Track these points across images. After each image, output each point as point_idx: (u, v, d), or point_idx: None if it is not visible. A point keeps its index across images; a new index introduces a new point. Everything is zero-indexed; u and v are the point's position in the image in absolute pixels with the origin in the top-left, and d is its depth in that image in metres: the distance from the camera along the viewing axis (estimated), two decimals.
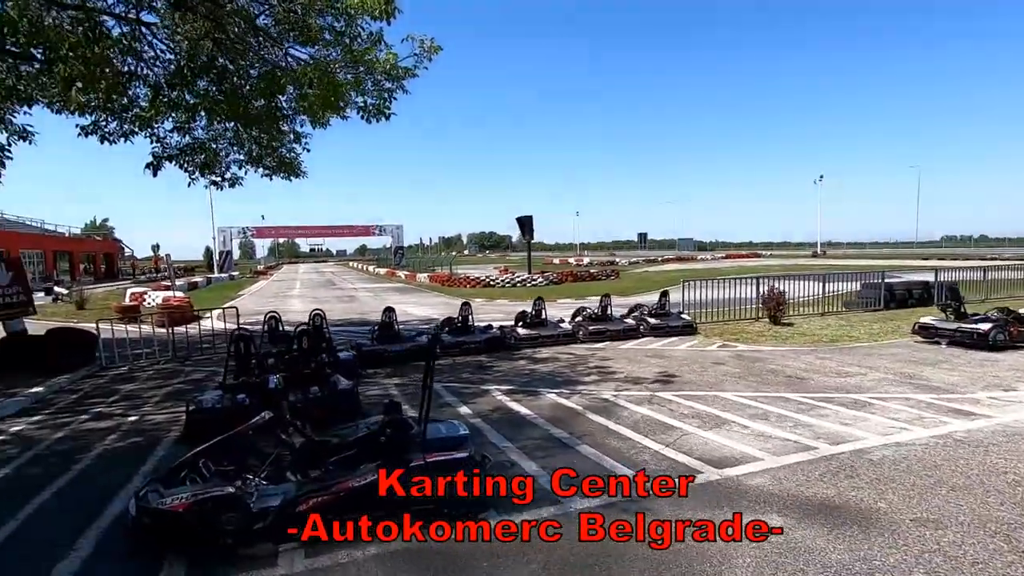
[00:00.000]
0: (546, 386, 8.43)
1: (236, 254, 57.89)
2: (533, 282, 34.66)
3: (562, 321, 12.86)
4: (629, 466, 5.14)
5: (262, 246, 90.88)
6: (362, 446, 4.67)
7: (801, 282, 16.73)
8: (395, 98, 10.22)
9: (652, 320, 12.84)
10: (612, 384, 8.40)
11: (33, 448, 6.21)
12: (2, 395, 8.38)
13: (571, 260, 67.43)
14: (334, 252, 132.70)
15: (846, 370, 8.94)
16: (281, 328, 10.44)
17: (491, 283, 34.81)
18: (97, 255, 54.21)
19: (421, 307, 21.99)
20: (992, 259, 35.59)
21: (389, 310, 11.68)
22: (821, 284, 16.86)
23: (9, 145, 11.61)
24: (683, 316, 13.44)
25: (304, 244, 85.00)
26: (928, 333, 10.89)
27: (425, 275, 42.50)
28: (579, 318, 13.13)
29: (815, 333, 12.60)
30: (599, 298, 13.57)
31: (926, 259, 45.43)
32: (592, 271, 40.26)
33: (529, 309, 12.62)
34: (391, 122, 10.36)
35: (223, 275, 48.11)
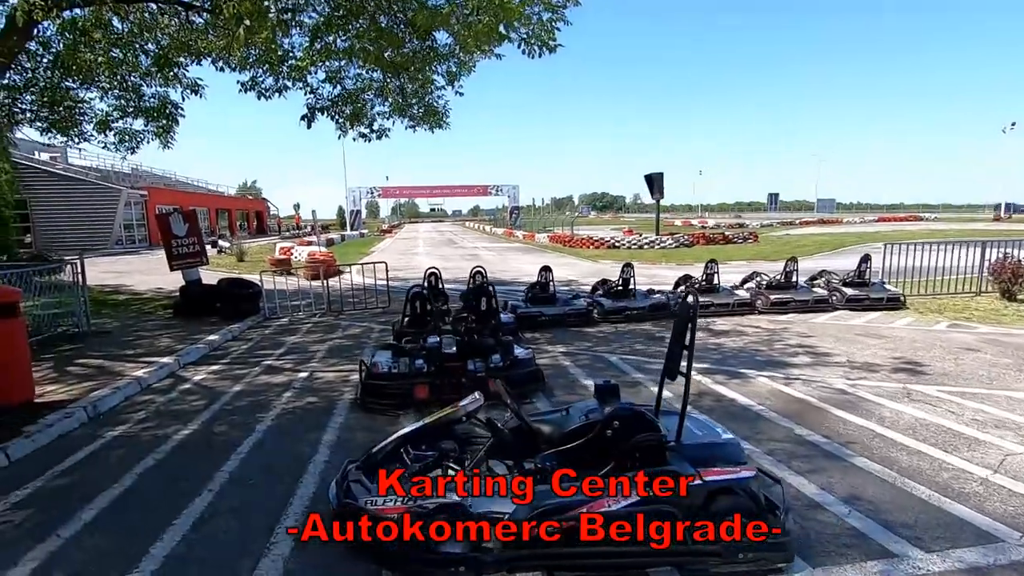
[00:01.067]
0: (747, 366, 7.00)
1: (363, 213, 60.97)
2: (662, 244, 32.45)
3: (736, 287, 11.14)
4: (957, 498, 3.68)
5: (386, 206, 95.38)
6: (588, 441, 3.64)
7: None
8: (558, 28, 8.92)
9: (848, 290, 10.71)
10: (835, 369, 6.77)
11: (217, 402, 6.02)
12: (184, 341, 8.61)
13: (694, 222, 62.80)
14: (449, 212, 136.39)
15: None
16: (441, 285, 9.83)
17: (616, 244, 33.07)
18: (250, 213, 59.63)
19: (556, 267, 21.02)
20: None
21: (546, 269, 10.70)
22: None
23: (183, 99, 12.03)
24: (887, 287, 11.11)
25: (423, 205, 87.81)
26: None
27: (544, 235, 41.58)
28: (750, 284, 11.35)
29: None
30: (748, 264, 11.48)
31: None
32: (726, 234, 36.84)
33: (696, 273, 11.03)
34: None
35: (354, 233, 50.74)
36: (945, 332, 8.84)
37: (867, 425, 4.97)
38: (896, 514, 3.50)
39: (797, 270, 11.01)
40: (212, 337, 8.92)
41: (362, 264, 14.25)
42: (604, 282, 11.09)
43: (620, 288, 10.44)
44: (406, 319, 7.63)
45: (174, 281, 12.39)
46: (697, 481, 3.03)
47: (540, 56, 9.02)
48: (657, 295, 10.47)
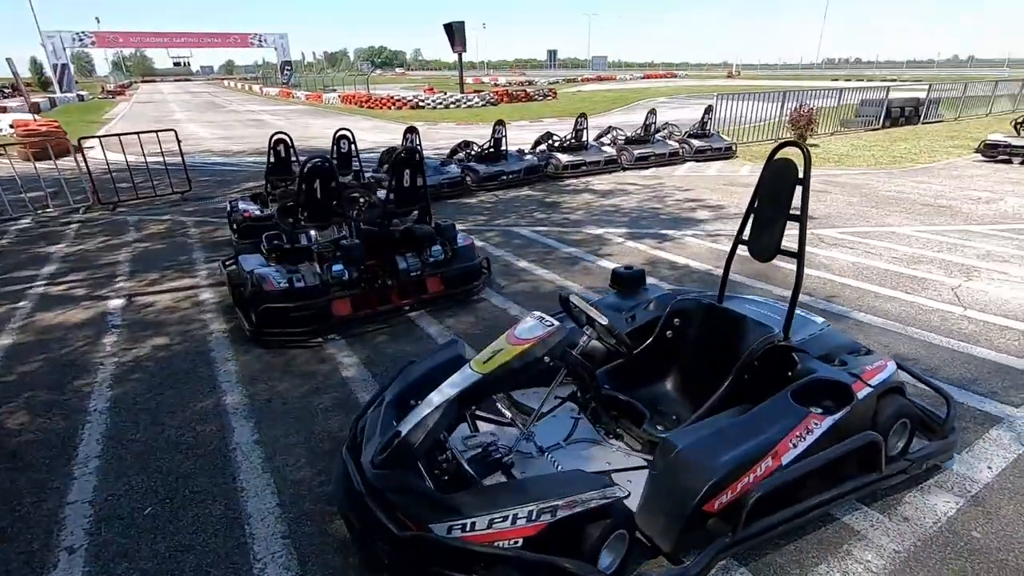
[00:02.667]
0: (662, 227, 6.70)
1: (71, 69, 45.40)
2: (469, 103, 30.99)
3: (602, 145, 10.70)
4: (971, 341, 3.79)
5: (102, 61, 72.90)
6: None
7: (765, 103, 14.52)
8: None
9: (696, 142, 11.08)
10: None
11: None
12: None
13: (485, 80, 61.01)
14: (194, 70, 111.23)
15: (972, 195, 8.04)
16: (295, 157, 7.23)
17: (420, 104, 30.64)
18: None
19: (362, 131, 18.36)
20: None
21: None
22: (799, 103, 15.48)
23: None
24: (723, 137, 11.79)
25: (161, 58, 69.20)
26: (996, 152, 10.24)
27: (334, 95, 36.51)
28: (605, 138, 11.04)
29: (858, 154, 11.64)
30: (573, 120, 10.90)
31: (842, 80, 46.31)
32: (528, 91, 36.53)
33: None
34: None
35: (68, 95, 38.22)
36: (820, 176, 9.71)
37: (823, 276, 5.02)
38: (953, 370, 3.45)
39: (655, 123, 10.91)
40: None
41: (128, 135, 10.28)
42: (466, 144, 9.69)
43: (492, 150, 9.20)
44: (293, 204, 4.86)
45: None
46: (865, 389, 2.40)
47: None
48: (529, 156, 9.51)
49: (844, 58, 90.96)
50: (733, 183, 9.19)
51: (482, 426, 2.63)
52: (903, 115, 16.61)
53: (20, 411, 3.21)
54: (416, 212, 4.87)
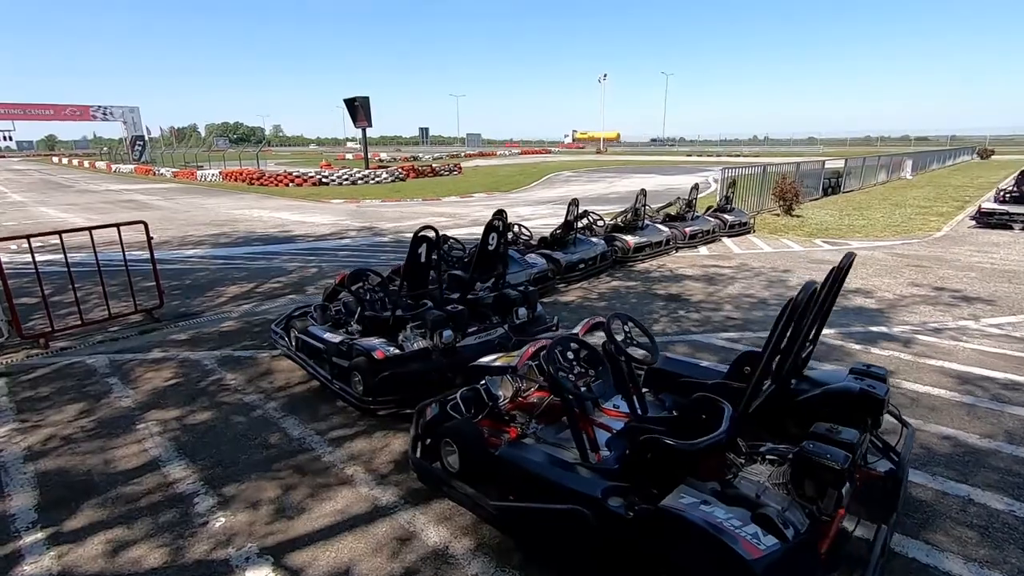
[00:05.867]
0: (860, 321, 5.69)
1: None
2: (377, 179, 29.30)
3: (647, 224, 9.62)
4: None
5: None
6: None
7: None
8: None
9: (728, 217, 10.58)
10: (903, 313, 6.07)
11: None
12: None
13: (349, 157, 58.73)
14: (2, 146, 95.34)
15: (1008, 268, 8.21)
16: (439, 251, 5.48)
17: (324, 180, 28.25)
18: None
19: (280, 212, 15.83)
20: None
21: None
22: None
23: None
24: (743, 211, 11.51)
25: None
26: (992, 219, 10.93)
27: (211, 172, 32.54)
28: (621, 218, 10.02)
29: (851, 224, 11.98)
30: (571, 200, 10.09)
31: (688, 155, 52.16)
32: (433, 167, 35.72)
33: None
34: None
35: None
36: (847, 250, 9.43)
37: None
38: None
39: (693, 201, 10.19)
40: None
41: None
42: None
43: (560, 234, 7.72)
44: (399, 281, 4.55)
45: None
46: None
47: None
48: (596, 240, 8.14)
49: (682, 136, 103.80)
50: (811, 259, 8.63)
51: None
52: (831, 185, 18.16)
53: None
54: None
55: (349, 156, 58.05)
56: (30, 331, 5.39)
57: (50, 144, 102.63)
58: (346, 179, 28.72)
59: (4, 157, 70.61)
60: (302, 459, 3.31)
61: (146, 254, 6.15)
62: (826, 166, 17.86)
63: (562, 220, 7.82)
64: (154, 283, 6.10)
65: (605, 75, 72.02)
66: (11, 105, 43.00)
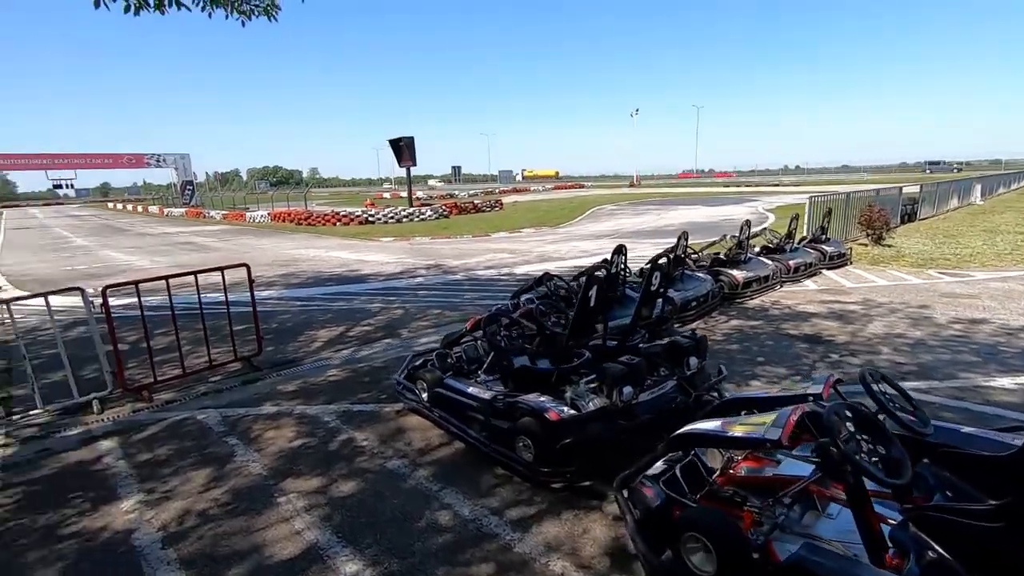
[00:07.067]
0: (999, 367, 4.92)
1: None
2: (422, 216, 29.35)
3: (750, 257, 8.97)
4: None
5: None
6: None
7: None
8: None
9: (828, 248, 9.86)
10: None
11: None
12: None
13: (401, 195, 59.76)
14: (61, 194, 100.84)
15: None
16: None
17: (371, 219, 28.42)
18: None
19: (331, 251, 15.68)
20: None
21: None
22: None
23: None
24: (839, 241, 10.77)
25: (28, 181, 61.07)
26: None
27: (259, 213, 33.23)
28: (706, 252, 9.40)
29: (956, 253, 11.09)
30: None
31: (726, 187, 51.30)
32: (475, 203, 35.84)
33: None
34: None
35: None
36: (982, 284, 8.59)
37: None
38: None
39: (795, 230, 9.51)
40: None
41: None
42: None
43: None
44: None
45: None
46: None
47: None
48: (701, 274, 7.53)
49: (711, 168, 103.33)
50: (944, 294, 7.83)
51: None
52: (907, 212, 17.22)
53: None
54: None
55: (386, 195, 59.24)
56: (133, 383, 5.04)
57: (104, 191, 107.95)
58: (391, 217, 28.89)
59: (64, 204, 74.17)
60: (489, 549, 2.75)
61: (232, 296, 5.82)
62: (903, 192, 16.96)
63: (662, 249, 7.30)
64: (243, 328, 5.75)
65: (637, 110, 72.36)
66: (74, 156, 45.33)
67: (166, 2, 6.04)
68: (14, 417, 4.50)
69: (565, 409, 3.27)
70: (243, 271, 5.71)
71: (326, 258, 14.54)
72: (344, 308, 8.41)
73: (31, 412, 4.55)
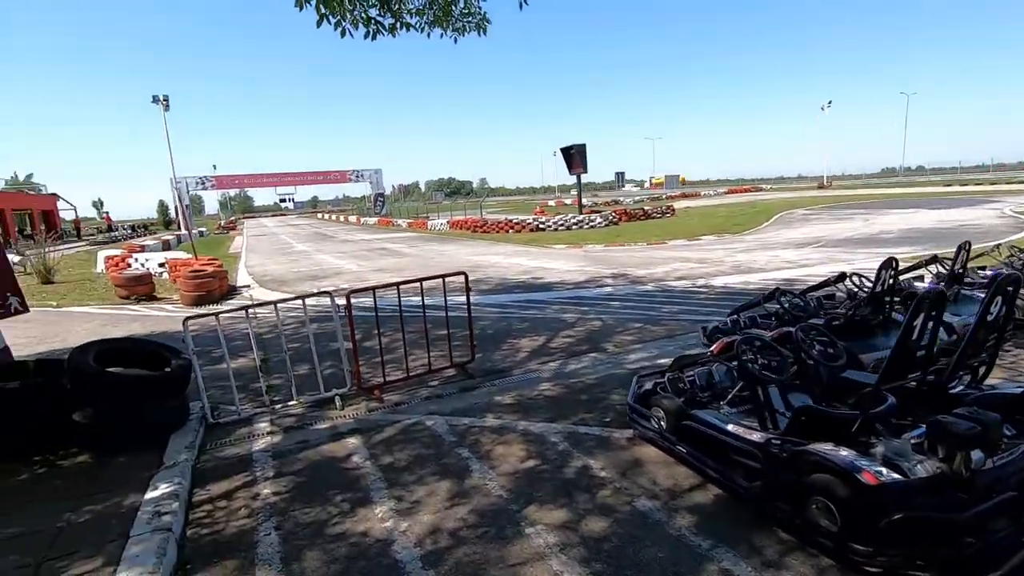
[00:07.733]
0: None
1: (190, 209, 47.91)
2: (591, 223, 28.97)
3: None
4: None
5: (210, 200, 79.18)
6: None
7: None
8: None
9: None
10: None
11: None
12: None
13: (565, 202, 60.52)
14: (283, 206, 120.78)
15: None
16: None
17: (541, 227, 28.81)
18: (34, 213, 43.00)
19: (528, 259, 15.80)
20: None
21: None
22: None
23: None
24: None
25: (257, 196, 74.10)
26: None
27: (439, 221, 35.74)
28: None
29: None
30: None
31: (948, 185, 42.54)
32: (645, 209, 34.65)
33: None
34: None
35: (192, 232, 39.31)
36: None
37: None
38: None
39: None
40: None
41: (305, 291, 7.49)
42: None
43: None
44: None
45: None
46: None
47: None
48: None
49: (920, 165, 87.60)
50: None
51: None
52: None
53: None
54: None
55: (551, 203, 60.34)
56: (365, 382, 5.36)
57: (314, 203, 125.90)
58: (561, 224, 29.05)
59: (286, 215, 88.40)
60: None
61: (429, 301, 5.93)
62: None
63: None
64: (442, 334, 5.84)
65: (829, 102, 64.23)
66: (295, 174, 53.47)
67: (398, 26, 6.46)
68: (276, 407, 5.00)
69: (884, 471, 2.56)
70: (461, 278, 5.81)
71: (506, 264, 14.88)
72: (538, 317, 8.32)
73: (289, 403, 5.03)
